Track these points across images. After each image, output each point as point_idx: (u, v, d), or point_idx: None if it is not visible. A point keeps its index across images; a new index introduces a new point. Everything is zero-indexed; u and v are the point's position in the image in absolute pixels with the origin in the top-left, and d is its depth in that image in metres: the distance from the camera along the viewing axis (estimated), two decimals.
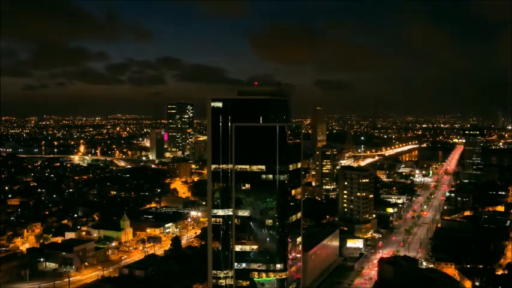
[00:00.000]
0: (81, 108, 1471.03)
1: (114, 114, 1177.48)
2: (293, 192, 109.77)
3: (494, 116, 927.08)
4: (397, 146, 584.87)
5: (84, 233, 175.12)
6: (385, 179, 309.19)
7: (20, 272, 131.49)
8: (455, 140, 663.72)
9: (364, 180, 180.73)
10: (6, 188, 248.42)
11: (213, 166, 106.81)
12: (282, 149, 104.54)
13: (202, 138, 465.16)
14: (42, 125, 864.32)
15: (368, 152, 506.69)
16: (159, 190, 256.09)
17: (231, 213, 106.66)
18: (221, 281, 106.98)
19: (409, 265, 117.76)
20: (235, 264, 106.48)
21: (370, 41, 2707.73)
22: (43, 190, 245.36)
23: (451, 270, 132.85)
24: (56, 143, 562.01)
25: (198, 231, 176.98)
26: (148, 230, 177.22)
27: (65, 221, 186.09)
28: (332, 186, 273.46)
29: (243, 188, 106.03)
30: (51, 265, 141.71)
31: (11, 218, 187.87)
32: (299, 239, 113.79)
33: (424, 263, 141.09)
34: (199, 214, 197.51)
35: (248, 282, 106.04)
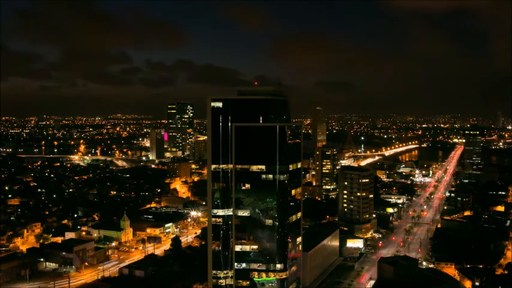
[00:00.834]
0: (82, 108, 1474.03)
1: (114, 114, 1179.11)
2: (293, 192, 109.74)
3: (494, 116, 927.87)
4: (397, 146, 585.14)
5: (84, 233, 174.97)
6: (385, 179, 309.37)
7: (20, 272, 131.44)
8: (455, 140, 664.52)
9: (364, 180, 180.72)
10: (6, 188, 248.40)
11: (213, 166, 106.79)
12: (282, 149, 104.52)
13: (202, 138, 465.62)
14: (42, 125, 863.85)
15: (368, 152, 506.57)
16: (159, 190, 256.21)
17: (231, 213, 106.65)
18: (221, 281, 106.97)
19: (409, 265, 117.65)
20: (235, 264, 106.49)
21: (370, 42, 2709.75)
22: (43, 190, 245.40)
23: (451, 270, 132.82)
24: (56, 143, 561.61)
25: (198, 231, 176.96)
26: (148, 230, 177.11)
27: (65, 221, 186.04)
28: (332, 186, 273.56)
29: (243, 188, 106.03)
30: (51, 265, 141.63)
31: (11, 218, 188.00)
32: (299, 239, 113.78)
33: (424, 263, 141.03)
34: (199, 214, 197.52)
35: (248, 282, 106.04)
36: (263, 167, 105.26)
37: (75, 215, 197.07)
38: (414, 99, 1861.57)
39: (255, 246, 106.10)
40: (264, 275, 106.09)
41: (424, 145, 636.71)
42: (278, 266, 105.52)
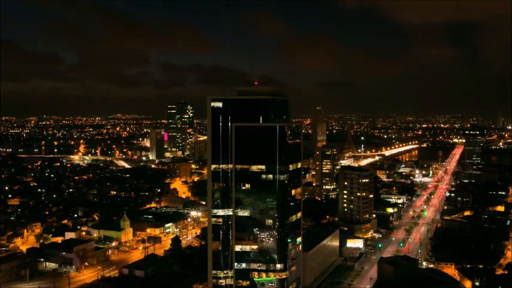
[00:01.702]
0: (84, 108, 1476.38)
1: (114, 114, 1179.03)
2: (293, 192, 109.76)
3: (494, 116, 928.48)
4: (397, 146, 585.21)
5: (84, 233, 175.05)
6: (385, 179, 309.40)
7: (20, 272, 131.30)
8: (455, 140, 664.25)
9: (364, 180, 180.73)
10: (6, 188, 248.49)
11: (213, 166, 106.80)
12: (282, 149, 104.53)
13: (202, 138, 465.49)
14: (42, 125, 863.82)
15: (368, 152, 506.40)
16: (159, 190, 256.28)
17: (231, 213, 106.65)
18: (221, 281, 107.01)
19: (409, 265, 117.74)
20: (235, 264, 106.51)
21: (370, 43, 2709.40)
22: (43, 190, 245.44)
23: (451, 270, 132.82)
24: (56, 143, 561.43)
25: (198, 231, 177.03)
26: (148, 230, 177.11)
27: (65, 221, 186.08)
28: (332, 186, 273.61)
29: (243, 188, 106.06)
30: (51, 265, 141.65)
31: (11, 218, 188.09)
32: (299, 239, 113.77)
33: (424, 263, 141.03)
34: (199, 214, 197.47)
35: (248, 282, 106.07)
36: (263, 167, 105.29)
37: (75, 215, 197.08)
38: (414, 99, 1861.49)
39: (255, 246, 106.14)
40: (264, 275, 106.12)
41: (424, 145, 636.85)
42: (278, 266, 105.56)
